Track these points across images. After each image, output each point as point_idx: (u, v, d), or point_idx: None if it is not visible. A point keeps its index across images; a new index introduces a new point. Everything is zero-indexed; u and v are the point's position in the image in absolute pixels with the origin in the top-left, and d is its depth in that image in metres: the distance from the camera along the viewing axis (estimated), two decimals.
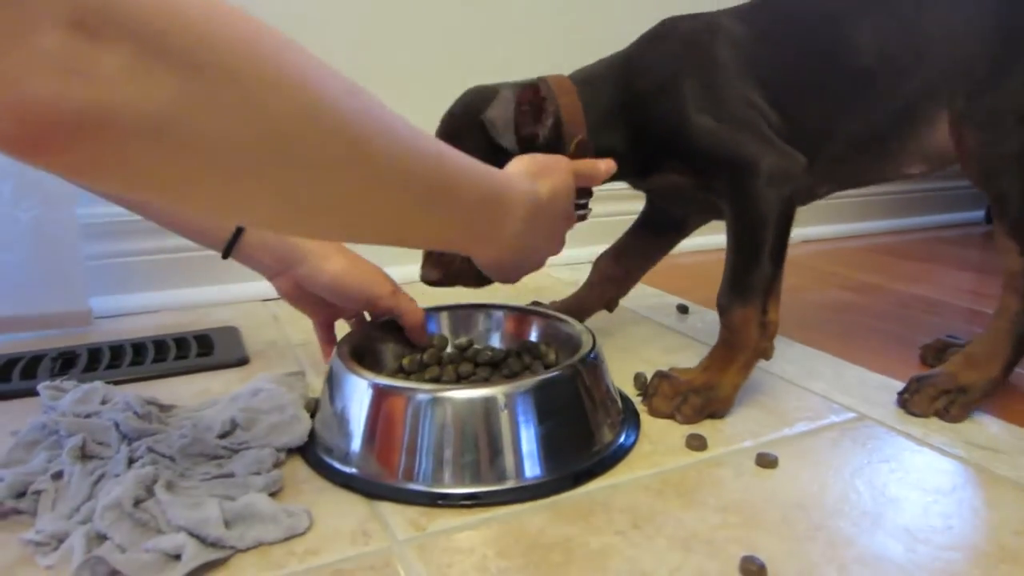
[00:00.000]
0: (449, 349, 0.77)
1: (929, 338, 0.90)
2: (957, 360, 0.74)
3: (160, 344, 0.91)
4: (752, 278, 0.69)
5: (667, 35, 0.77)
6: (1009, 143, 0.69)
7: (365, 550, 0.51)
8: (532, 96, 0.73)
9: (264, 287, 1.13)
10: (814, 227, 1.59)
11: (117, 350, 0.89)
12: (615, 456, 0.63)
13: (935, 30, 0.73)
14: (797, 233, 1.49)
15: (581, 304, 0.95)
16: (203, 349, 0.89)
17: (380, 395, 0.60)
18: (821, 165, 0.75)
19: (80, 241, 0.98)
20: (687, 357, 0.87)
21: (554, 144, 0.73)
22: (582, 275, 0.98)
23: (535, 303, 0.97)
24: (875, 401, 0.76)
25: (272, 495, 0.56)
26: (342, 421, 0.61)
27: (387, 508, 0.56)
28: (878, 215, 1.72)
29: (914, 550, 0.51)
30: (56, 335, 0.97)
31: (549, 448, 0.59)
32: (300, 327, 1.00)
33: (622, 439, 0.66)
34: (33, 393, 0.72)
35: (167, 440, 0.61)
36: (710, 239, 1.51)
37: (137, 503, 0.52)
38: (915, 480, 0.60)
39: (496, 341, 0.80)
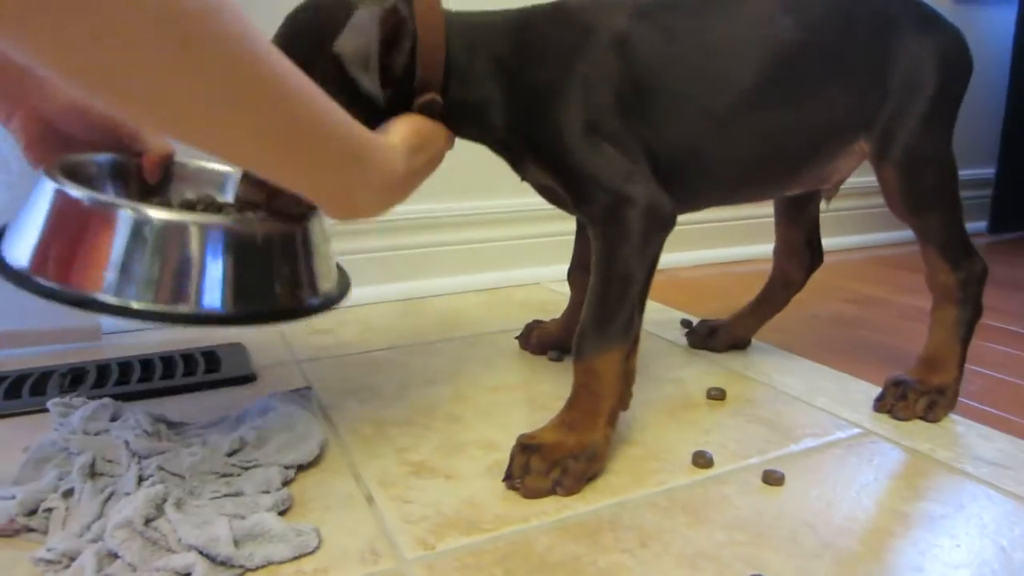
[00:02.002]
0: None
1: None
2: (920, 367, 0.79)
3: (168, 360, 0.91)
4: (620, 320, 0.64)
5: (572, 19, 0.69)
6: (924, 182, 0.75)
7: (374, 569, 0.51)
8: (393, 21, 0.61)
9: None
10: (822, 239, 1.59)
11: (125, 366, 0.89)
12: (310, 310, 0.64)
13: (846, 67, 0.73)
14: None
15: (574, 318, 0.93)
16: (210, 365, 0.89)
17: (74, 207, 0.58)
18: (704, 185, 0.74)
19: None
20: (692, 373, 0.88)
21: (401, 89, 0.64)
22: None
23: (536, 322, 0.97)
24: (880, 416, 0.76)
25: (281, 513, 0.57)
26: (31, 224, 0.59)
27: (396, 526, 0.56)
28: (880, 227, 1.73)
29: (922, 568, 0.51)
30: (65, 350, 0.97)
31: (237, 286, 0.59)
32: (306, 343, 1.00)
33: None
34: (43, 410, 0.73)
35: (177, 458, 0.61)
36: (709, 253, 1.53)
37: (148, 522, 0.52)
38: (923, 497, 0.61)
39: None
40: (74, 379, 0.86)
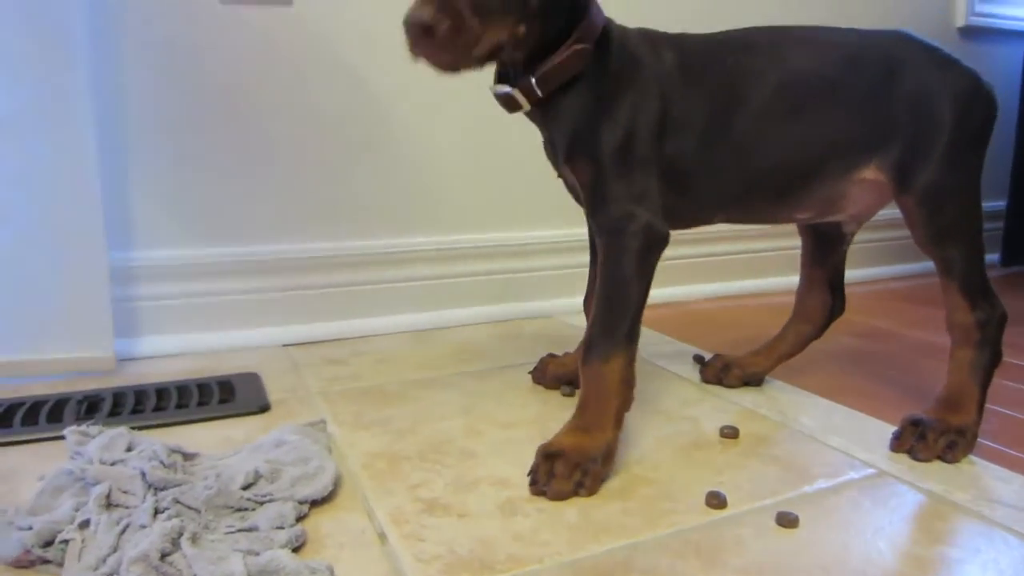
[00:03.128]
0: None
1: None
2: (939, 407, 0.78)
3: (183, 389, 0.92)
4: (623, 328, 0.71)
5: (649, 36, 0.79)
6: (945, 216, 0.77)
7: None
8: None
9: (284, 332, 1.16)
10: None
11: (141, 395, 0.90)
12: None
13: (853, 99, 0.78)
14: None
15: None
16: (225, 396, 0.90)
17: None
18: (719, 202, 0.80)
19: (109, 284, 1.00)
20: (705, 410, 0.88)
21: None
22: None
23: (550, 356, 0.97)
24: (895, 457, 0.76)
25: (295, 550, 0.57)
26: None
27: (409, 566, 0.56)
28: (890, 260, 1.73)
29: None
30: (81, 377, 0.98)
31: None
32: (319, 374, 1.01)
33: None
34: (60, 437, 0.73)
35: (192, 491, 0.62)
36: (722, 286, 1.53)
37: (163, 556, 0.52)
38: (939, 540, 0.60)
39: None
40: (90, 407, 0.86)
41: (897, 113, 0.78)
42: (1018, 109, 1.74)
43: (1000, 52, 1.83)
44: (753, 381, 0.96)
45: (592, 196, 0.75)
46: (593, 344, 0.72)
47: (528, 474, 0.69)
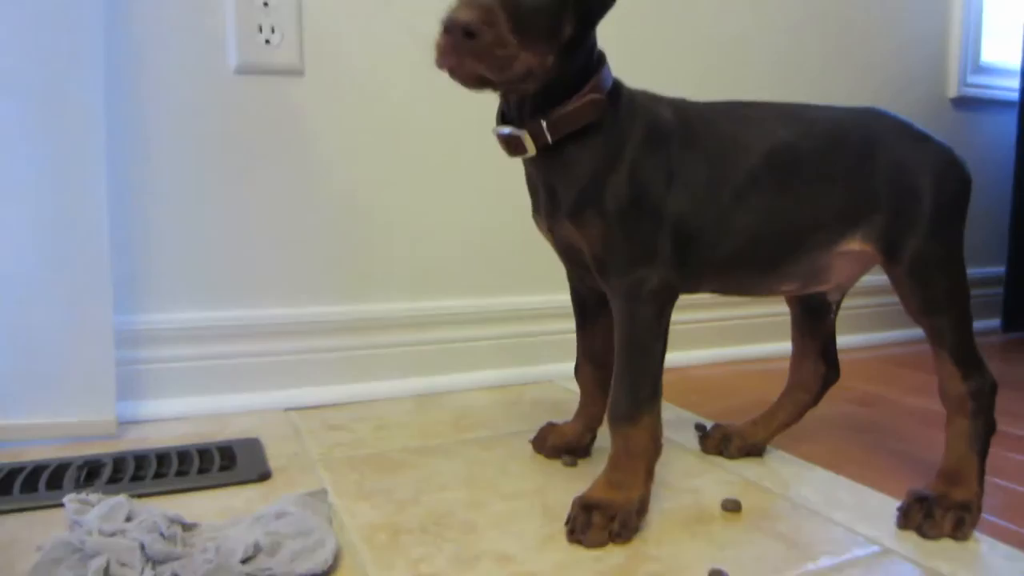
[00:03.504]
0: None
1: None
2: (940, 482, 0.78)
3: (184, 455, 0.91)
4: (647, 388, 0.74)
5: (648, 105, 0.80)
6: (934, 286, 0.79)
7: None
8: None
9: (285, 396, 1.16)
10: None
11: (142, 460, 0.90)
12: None
13: (835, 174, 0.81)
14: None
15: (591, 422, 0.95)
16: (225, 462, 0.90)
17: None
18: (705, 270, 0.81)
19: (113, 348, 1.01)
20: (707, 482, 0.87)
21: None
22: None
23: (550, 424, 0.97)
24: (899, 533, 0.75)
25: None
26: None
27: None
28: (885, 326, 1.73)
29: None
30: (82, 440, 0.98)
31: None
32: (320, 440, 1.00)
33: None
34: (59, 505, 0.73)
35: (191, 564, 0.61)
36: (721, 351, 1.53)
37: None
38: None
39: None
40: (90, 472, 0.86)
41: (877, 186, 0.80)
42: (1013, 176, 1.77)
43: (993, 121, 1.87)
44: (754, 451, 0.96)
45: (602, 256, 0.75)
46: (618, 407, 0.74)
47: (566, 523, 0.73)
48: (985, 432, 0.79)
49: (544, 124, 0.74)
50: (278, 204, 1.17)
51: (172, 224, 1.11)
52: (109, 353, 1.01)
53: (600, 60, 0.77)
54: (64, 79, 0.97)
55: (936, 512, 0.75)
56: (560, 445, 0.94)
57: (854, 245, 0.81)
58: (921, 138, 0.83)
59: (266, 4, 1.13)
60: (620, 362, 0.75)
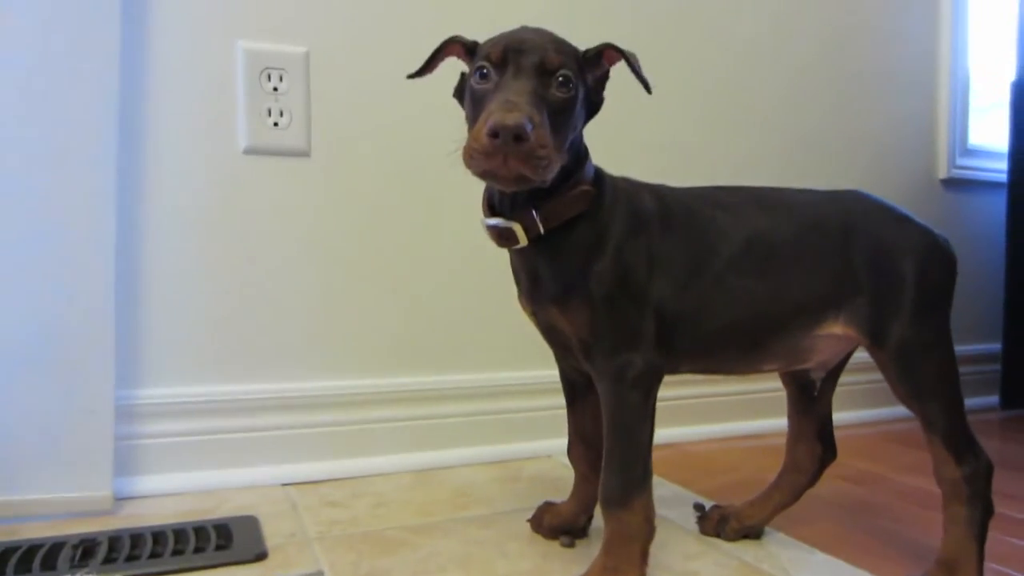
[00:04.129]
0: None
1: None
2: (939, 570, 0.79)
3: (180, 534, 0.91)
4: (637, 470, 0.75)
5: (632, 183, 0.84)
6: (921, 371, 0.80)
7: None
8: None
9: (283, 471, 1.16)
10: None
11: (137, 539, 0.89)
12: None
13: (813, 258, 0.82)
14: None
15: (586, 502, 0.94)
16: (222, 541, 0.89)
17: None
18: (687, 352, 0.81)
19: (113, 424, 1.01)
20: (706, 565, 0.87)
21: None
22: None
23: (548, 503, 0.97)
24: None
25: None
26: None
27: None
28: (883, 402, 1.72)
29: None
30: (77, 517, 0.98)
31: None
32: (318, 517, 1.00)
33: None
34: None
35: None
36: (717, 427, 1.53)
37: None
38: None
39: None
40: (85, 552, 0.86)
41: (858, 269, 0.81)
42: (1005, 254, 1.80)
43: (983, 202, 1.91)
44: (752, 533, 0.95)
45: (587, 340, 0.76)
46: (609, 491, 0.75)
47: None
48: (983, 517, 0.79)
49: (536, 215, 0.75)
50: (278, 280, 1.19)
51: (174, 299, 1.13)
52: (108, 429, 1.01)
53: (585, 151, 0.80)
54: (76, 154, 1.00)
55: None
56: (557, 525, 0.94)
57: (836, 328, 0.82)
58: (902, 219, 0.84)
59: (275, 89, 1.17)
60: (609, 445, 0.75)
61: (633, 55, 0.75)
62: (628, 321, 0.76)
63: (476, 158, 0.67)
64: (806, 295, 0.81)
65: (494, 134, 0.64)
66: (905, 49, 1.79)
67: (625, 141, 1.41)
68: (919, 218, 0.85)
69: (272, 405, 1.17)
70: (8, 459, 0.97)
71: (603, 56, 0.77)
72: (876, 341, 0.80)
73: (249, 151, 1.16)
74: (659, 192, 0.83)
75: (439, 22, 1.27)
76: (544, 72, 0.70)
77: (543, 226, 0.75)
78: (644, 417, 0.75)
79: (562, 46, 0.73)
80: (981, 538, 0.78)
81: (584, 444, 0.93)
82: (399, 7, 1.25)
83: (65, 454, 0.99)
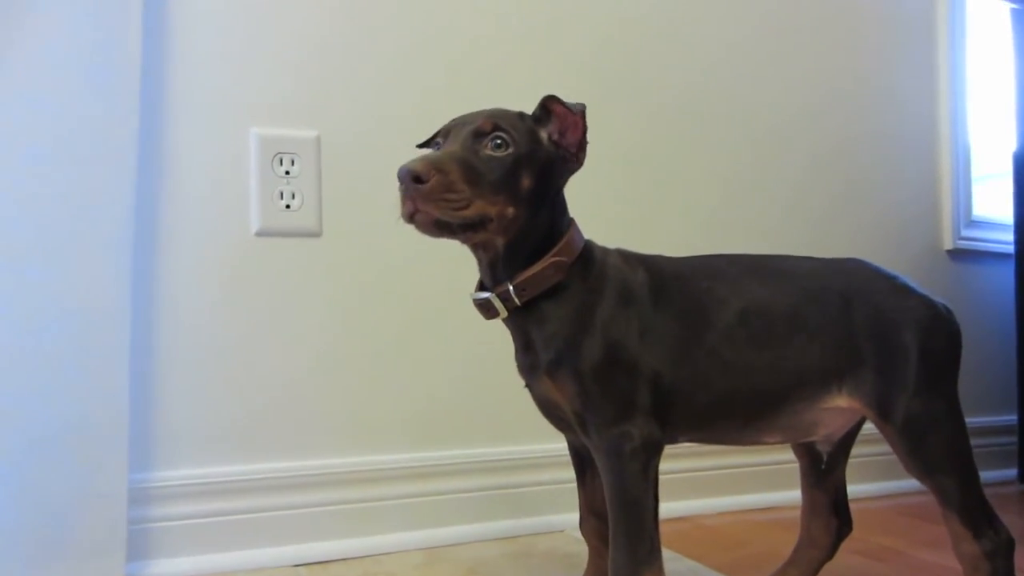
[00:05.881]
0: None
1: None
2: None
3: None
4: (644, 545, 0.73)
5: (625, 254, 0.84)
6: (931, 446, 0.79)
7: None
8: None
9: (293, 551, 1.15)
10: None
11: None
12: None
13: (814, 329, 0.81)
14: None
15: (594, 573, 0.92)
16: None
17: None
18: (684, 423, 0.80)
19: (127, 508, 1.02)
20: None
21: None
22: None
23: None
24: None
25: None
26: None
27: None
28: (902, 474, 1.69)
29: None
30: None
31: None
32: None
33: None
34: None
35: None
36: (732, 500, 1.51)
37: None
38: None
39: None
40: None
41: (860, 341, 0.80)
42: (1016, 325, 1.80)
43: (991, 272, 1.91)
44: None
45: (582, 413, 0.76)
46: (619, 569, 0.73)
47: None
48: None
49: (511, 287, 0.77)
50: (288, 360, 1.21)
51: (186, 381, 1.15)
52: (122, 513, 1.02)
53: (569, 223, 0.81)
54: (93, 239, 1.03)
55: None
56: None
57: (841, 401, 0.81)
58: (903, 288, 0.83)
59: (287, 172, 1.21)
60: (613, 520, 0.75)
61: (578, 106, 0.77)
62: (621, 393, 0.75)
63: (400, 207, 0.73)
64: (806, 367, 0.80)
65: (399, 179, 0.71)
66: (906, 126, 1.82)
67: (650, 217, 1.46)
68: (920, 287, 0.85)
69: (283, 484, 1.17)
70: (22, 547, 0.97)
71: (552, 111, 0.78)
72: (882, 415, 0.79)
73: (262, 233, 1.20)
74: (653, 263, 0.83)
75: (445, 105, 1.32)
76: (478, 136, 0.74)
77: (518, 298, 0.77)
78: (645, 489, 0.74)
79: (500, 115, 0.76)
80: None
81: (595, 517, 0.91)
82: (406, 92, 1.30)
83: (78, 540, 0.99)
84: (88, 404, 1.01)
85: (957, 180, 1.87)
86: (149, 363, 1.12)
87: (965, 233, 1.88)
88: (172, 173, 1.16)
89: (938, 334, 0.81)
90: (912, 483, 1.66)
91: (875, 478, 1.66)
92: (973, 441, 1.47)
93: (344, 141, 1.26)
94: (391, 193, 1.29)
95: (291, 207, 1.22)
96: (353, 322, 1.25)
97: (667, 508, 1.47)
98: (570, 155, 0.79)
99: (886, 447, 1.66)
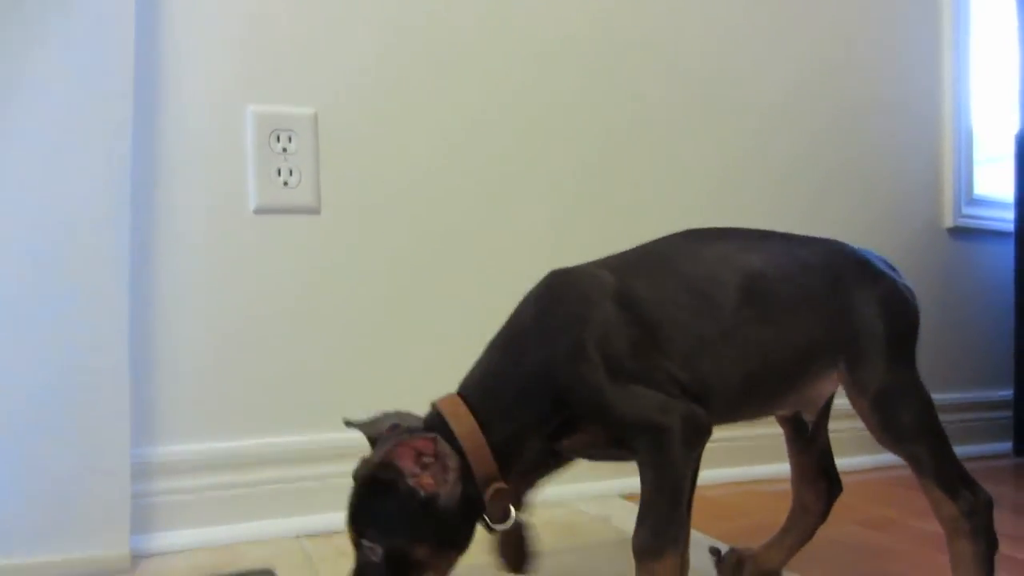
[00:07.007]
0: None
1: None
2: None
3: None
4: (673, 528, 0.71)
5: (562, 296, 0.79)
6: (902, 416, 0.80)
7: None
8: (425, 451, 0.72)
9: (297, 523, 1.16)
10: (837, 459, 1.57)
11: None
12: None
13: (803, 297, 0.81)
14: None
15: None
16: None
17: None
18: (712, 403, 0.78)
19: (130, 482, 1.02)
20: None
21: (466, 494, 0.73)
22: (612, 509, 0.97)
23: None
24: None
25: None
26: None
27: None
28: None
29: None
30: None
31: None
32: (333, 568, 1.00)
33: None
34: None
35: None
36: (733, 471, 1.52)
37: None
38: None
39: None
40: None
41: (854, 319, 0.81)
42: (1014, 302, 1.81)
43: (990, 250, 1.92)
44: None
45: (616, 432, 0.74)
46: (644, 544, 0.71)
47: None
48: (988, 551, 0.77)
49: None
50: (289, 336, 1.21)
51: (186, 357, 1.15)
52: (125, 488, 1.02)
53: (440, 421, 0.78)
54: (89, 219, 1.03)
55: None
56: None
57: (833, 372, 0.82)
58: (873, 273, 0.84)
59: (285, 149, 1.21)
60: (646, 502, 0.72)
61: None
62: (644, 402, 0.73)
63: None
64: (818, 337, 0.81)
65: None
66: (910, 103, 1.83)
67: (652, 194, 1.46)
68: (887, 266, 0.87)
69: (285, 458, 1.18)
70: (27, 521, 0.98)
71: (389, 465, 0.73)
72: (856, 389, 0.81)
73: (260, 210, 1.20)
74: (620, 268, 0.80)
75: (442, 80, 1.33)
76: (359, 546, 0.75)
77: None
78: (685, 477, 0.73)
79: (357, 511, 0.76)
80: (990, 573, 0.77)
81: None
82: (402, 67, 1.30)
83: (82, 514, 1.00)
84: (87, 382, 1.01)
85: (959, 159, 1.88)
86: (150, 340, 1.13)
87: (966, 211, 1.88)
88: (169, 151, 1.16)
89: (904, 313, 0.84)
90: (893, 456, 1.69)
91: (872, 450, 1.66)
92: (970, 415, 1.48)
93: (341, 117, 1.26)
94: (389, 170, 1.31)
95: (289, 184, 1.22)
96: (353, 298, 1.25)
97: None
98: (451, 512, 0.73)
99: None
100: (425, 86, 1.31)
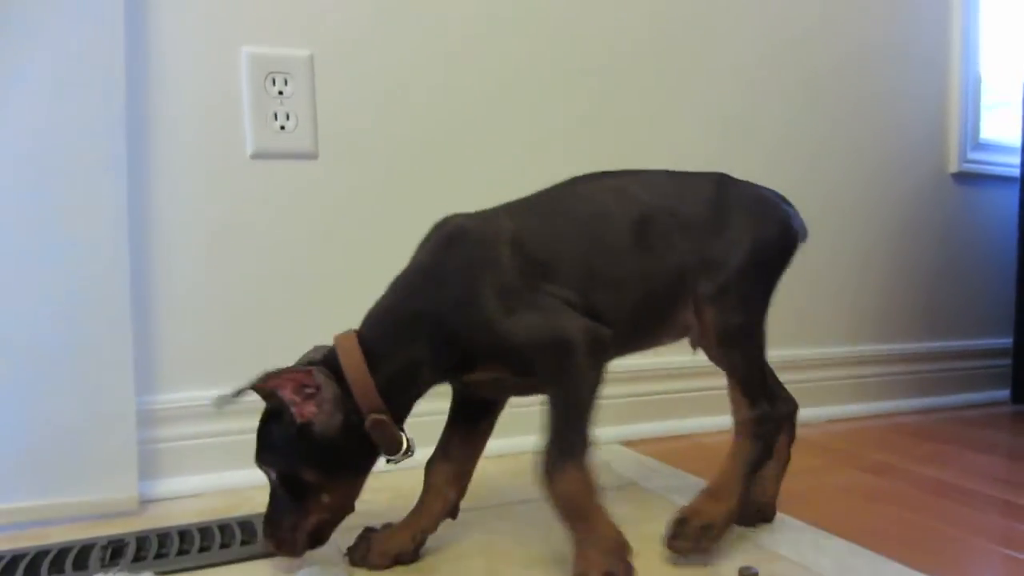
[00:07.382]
0: None
1: (960, 532, 0.89)
2: (702, 498, 0.85)
3: (205, 531, 0.93)
4: (580, 440, 0.72)
5: (456, 240, 0.82)
6: (734, 319, 0.84)
7: None
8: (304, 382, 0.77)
9: None
10: (835, 407, 1.60)
11: (164, 538, 0.91)
12: None
13: (672, 228, 0.85)
14: (818, 413, 1.52)
15: (427, 515, 0.88)
16: (246, 537, 0.91)
17: None
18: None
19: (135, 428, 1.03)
20: (722, 549, 0.87)
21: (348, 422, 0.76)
22: (612, 455, 0.98)
23: (368, 529, 0.91)
24: None
25: None
26: None
27: None
28: (898, 394, 1.73)
29: None
30: (103, 519, 1.00)
31: None
32: None
33: None
34: None
35: None
36: (728, 419, 1.53)
37: None
38: None
39: None
40: (114, 552, 0.88)
41: (718, 244, 0.85)
42: (1016, 249, 1.80)
43: (994, 196, 1.90)
44: (766, 513, 0.96)
45: (517, 360, 0.76)
46: (554, 464, 0.72)
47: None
48: (759, 457, 0.85)
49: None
50: (290, 281, 1.21)
51: (188, 305, 1.15)
52: (132, 433, 1.04)
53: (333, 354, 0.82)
54: (87, 167, 1.02)
55: (686, 532, 0.82)
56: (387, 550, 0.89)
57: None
58: (761, 201, 0.89)
59: (281, 93, 1.19)
60: (554, 421, 0.74)
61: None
62: (539, 322, 0.75)
63: None
64: (681, 265, 0.84)
65: None
66: (917, 46, 1.79)
67: (650, 142, 1.44)
68: (775, 194, 0.91)
69: None
70: (37, 465, 1.00)
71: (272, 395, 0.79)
72: (706, 294, 0.83)
73: (256, 155, 1.18)
74: (515, 211, 0.84)
75: (440, 22, 1.30)
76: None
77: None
78: (590, 391, 0.74)
79: (257, 438, 0.81)
80: (749, 476, 0.85)
81: (447, 462, 0.91)
82: (400, 8, 1.27)
83: (91, 459, 1.01)
84: (91, 330, 1.02)
85: (966, 103, 1.84)
86: (149, 288, 1.12)
87: (972, 156, 1.86)
88: (162, 96, 1.13)
89: (771, 239, 0.87)
90: (908, 402, 1.72)
91: (872, 398, 1.69)
92: (969, 363, 1.50)
93: (338, 60, 1.24)
94: (387, 114, 1.29)
95: (285, 128, 1.20)
96: (352, 243, 1.24)
97: (667, 426, 1.51)
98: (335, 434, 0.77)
99: (883, 368, 1.68)
100: (423, 27, 1.28)
